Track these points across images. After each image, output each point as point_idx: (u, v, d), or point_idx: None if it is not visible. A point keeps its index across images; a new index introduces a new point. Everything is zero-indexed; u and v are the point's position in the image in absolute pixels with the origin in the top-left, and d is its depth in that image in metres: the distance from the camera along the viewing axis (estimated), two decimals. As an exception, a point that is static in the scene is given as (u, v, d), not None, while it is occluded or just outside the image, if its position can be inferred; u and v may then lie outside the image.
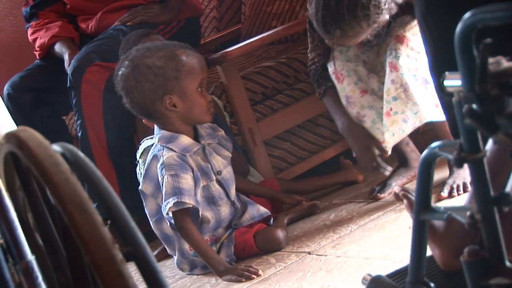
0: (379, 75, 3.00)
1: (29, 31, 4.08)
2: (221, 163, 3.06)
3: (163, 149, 2.97)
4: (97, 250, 0.90)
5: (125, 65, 2.99)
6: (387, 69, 2.89)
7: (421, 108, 2.86)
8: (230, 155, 3.13)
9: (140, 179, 3.07)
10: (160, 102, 2.95)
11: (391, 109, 2.89)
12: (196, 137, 3.06)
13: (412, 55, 2.88)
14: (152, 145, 3.08)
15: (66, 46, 3.90)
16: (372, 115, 2.99)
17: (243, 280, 2.78)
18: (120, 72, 3.00)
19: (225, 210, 3.05)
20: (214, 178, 3.03)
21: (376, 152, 2.99)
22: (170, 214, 2.90)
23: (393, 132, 2.91)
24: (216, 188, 3.03)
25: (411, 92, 2.84)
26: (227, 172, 3.08)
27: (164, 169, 2.92)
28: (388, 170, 3.05)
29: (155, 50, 2.97)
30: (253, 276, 2.77)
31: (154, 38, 3.40)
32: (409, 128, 2.89)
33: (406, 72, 2.85)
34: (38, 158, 1.00)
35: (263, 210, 3.12)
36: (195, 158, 3.00)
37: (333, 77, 3.06)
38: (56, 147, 1.08)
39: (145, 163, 3.05)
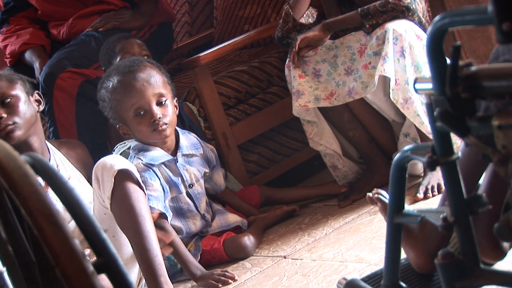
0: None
1: (0, 37, 4.04)
2: (194, 176, 3.07)
3: (134, 157, 2.99)
4: (67, 263, 0.89)
5: None
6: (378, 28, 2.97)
7: (387, 63, 2.89)
8: (207, 170, 3.14)
9: None
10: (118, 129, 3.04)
11: (369, 63, 2.97)
12: (176, 148, 3.06)
13: (407, 25, 2.95)
14: (129, 148, 3.09)
15: (36, 54, 3.87)
16: (327, 67, 3.07)
17: (219, 285, 2.77)
18: None
19: (195, 223, 3.06)
20: (185, 190, 3.04)
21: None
22: None
23: (366, 84, 2.96)
24: (185, 200, 3.04)
25: (388, 49, 2.90)
26: (199, 186, 3.09)
27: None
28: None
29: (104, 80, 3.01)
30: (229, 281, 2.77)
31: (133, 42, 3.39)
32: (376, 81, 2.93)
33: (390, 30, 2.91)
34: (7, 170, 0.99)
35: (231, 220, 3.14)
36: (164, 170, 3.00)
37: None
38: (25, 158, 1.07)
39: None
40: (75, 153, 2.95)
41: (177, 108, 3.04)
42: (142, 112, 2.92)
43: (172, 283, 2.95)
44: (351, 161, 3.30)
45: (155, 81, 2.95)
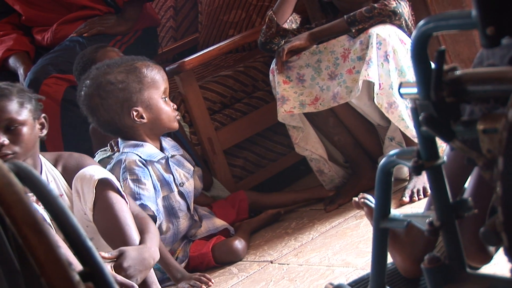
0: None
1: (-16, 43, 4.02)
2: (183, 175, 3.08)
3: (127, 153, 2.97)
4: (52, 272, 0.89)
5: (87, 84, 2.98)
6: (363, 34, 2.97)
7: (371, 67, 2.90)
8: (193, 168, 3.14)
9: None
10: (128, 115, 2.95)
11: (354, 68, 2.97)
12: (161, 149, 3.07)
13: (390, 30, 2.96)
14: (108, 157, 3.08)
15: (20, 61, 3.85)
16: (310, 72, 3.07)
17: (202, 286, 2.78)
18: (83, 92, 3.00)
19: (184, 223, 3.06)
20: (176, 189, 3.04)
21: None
22: None
23: (351, 89, 2.97)
24: (176, 199, 3.04)
25: (372, 54, 2.90)
26: (190, 185, 3.09)
27: (126, 173, 2.92)
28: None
29: (114, 66, 2.98)
30: (205, 285, 2.78)
31: (110, 51, 3.38)
32: (360, 85, 2.93)
33: (373, 35, 2.91)
34: (-9, 178, 0.98)
35: (219, 224, 3.13)
36: (157, 168, 3.00)
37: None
38: (9, 166, 1.06)
39: None
40: (75, 168, 2.75)
41: None
42: (165, 98, 3.03)
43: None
44: (337, 166, 3.30)
45: None
